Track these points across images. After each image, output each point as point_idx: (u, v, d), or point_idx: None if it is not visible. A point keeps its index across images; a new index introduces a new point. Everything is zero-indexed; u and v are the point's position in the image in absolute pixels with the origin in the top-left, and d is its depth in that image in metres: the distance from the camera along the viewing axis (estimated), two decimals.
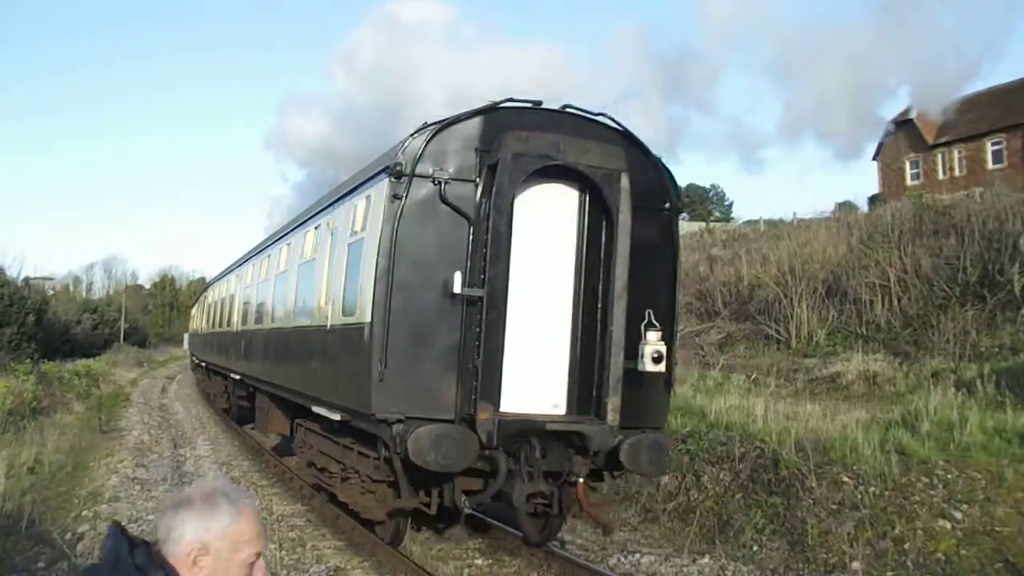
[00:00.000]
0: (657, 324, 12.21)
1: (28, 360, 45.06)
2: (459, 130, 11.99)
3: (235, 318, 28.03)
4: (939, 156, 63.12)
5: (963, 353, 24.86)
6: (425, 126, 11.92)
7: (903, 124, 64.75)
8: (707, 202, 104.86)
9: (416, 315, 11.57)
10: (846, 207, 53.71)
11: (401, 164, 11.61)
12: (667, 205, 13.38)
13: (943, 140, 62.81)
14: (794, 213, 50.82)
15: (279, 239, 22.04)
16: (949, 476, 13.42)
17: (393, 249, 11.48)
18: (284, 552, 13.78)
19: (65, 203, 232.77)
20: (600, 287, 12.10)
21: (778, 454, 15.08)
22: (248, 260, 28.00)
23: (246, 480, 20.61)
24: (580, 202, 12.55)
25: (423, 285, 11.59)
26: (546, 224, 12.38)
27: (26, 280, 68.79)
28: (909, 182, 63.74)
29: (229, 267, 34.72)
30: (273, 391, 20.18)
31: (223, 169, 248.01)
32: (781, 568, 12.81)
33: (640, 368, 12.07)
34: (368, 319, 11.71)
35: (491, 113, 12.15)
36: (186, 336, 69.70)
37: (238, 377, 26.93)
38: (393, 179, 11.60)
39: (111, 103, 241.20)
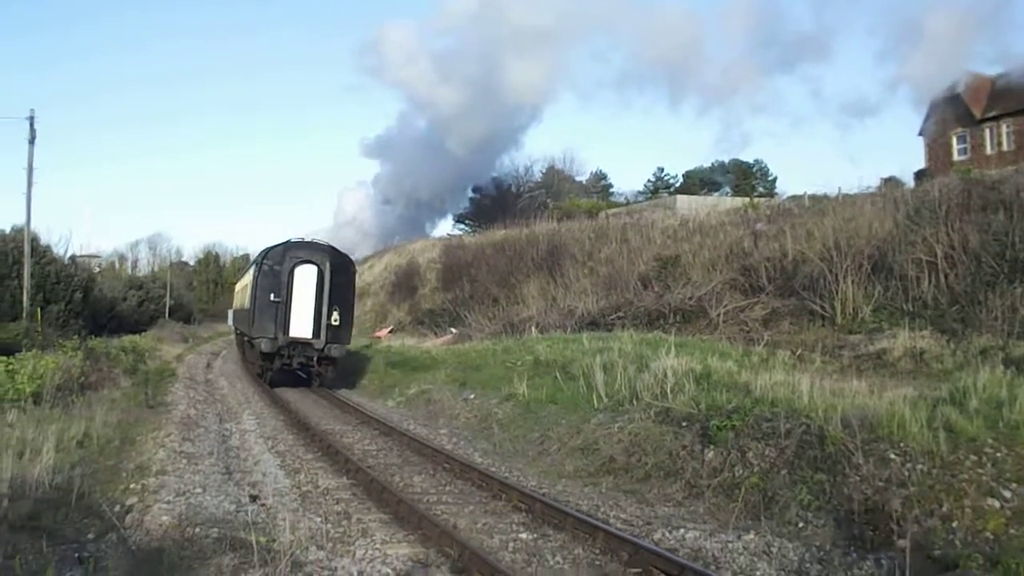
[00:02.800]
0: (338, 308, 37.11)
1: (75, 336, 45.32)
2: (277, 250, 37.56)
3: (244, 301, 45.84)
4: (987, 131, 62.20)
5: (1012, 330, 24.61)
6: (267, 249, 38.53)
7: (950, 99, 63.96)
8: (751, 177, 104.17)
9: (262, 304, 36.53)
10: (892, 183, 53.22)
11: (259, 260, 38.40)
12: (349, 270, 38.86)
13: (991, 115, 61.93)
14: (839, 188, 50.35)
15: (248, 270, 49.25)
16: (998, 454, 13.28)
17: (256, 284, 37.34)
18: (330, 525, 13.86)
19: (110, 181, 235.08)
20: (324, 295, 36.82)
21: (824, 430, 14.97)
22: (247, 271, 51.05)
23: (291, 454, 20.74)
24: (319, 269, 37.09)
25: (265, 296, 36.52)
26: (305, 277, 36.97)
27: (72, 258, 69.46)
28: (956, 157, 62.90)
29: (247, 266, 56.23)
30: (243, 335, 46.70)
31: (268, 148, 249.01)
32: (827, 545, 12.72)
33: (333, 323, 36.86)
34: (251, 306, 37.92)
35: (286, 244, 38.05)
36: (230, 312, 70.31)
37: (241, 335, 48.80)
38: (256, 264, 38.88)
39: (156, 84, 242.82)
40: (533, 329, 40.17)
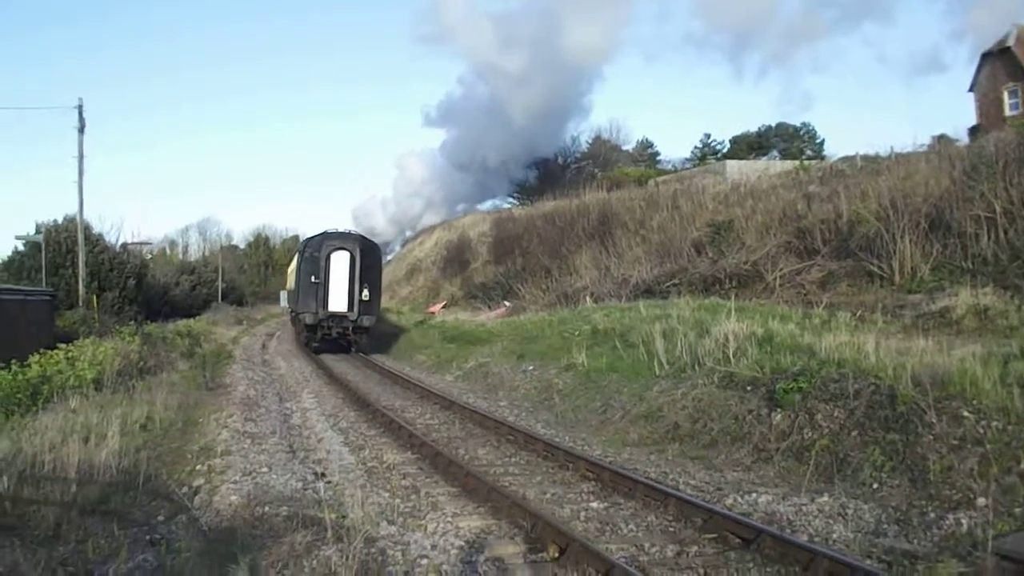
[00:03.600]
0: (367, 286, 43.75)
1: (131, 322, 45.76)
2: (316, 239, 45.36)
3: (292, 283, 54.92)
4: None
5: None
6: (308, 239, 48.12)
7: (1000, 53, 62.81)
8: (798, 140, 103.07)
9: (305, 285, 43.84)
10: (944, 140, 52.38)
11: (301, 249, 47.75)
12: (376, 255, 46.35)
13: None
14: (891, 147, 49.60)
15: (295, 257, 56.70)
16: None
17: (299, 268, 45.68)
18: (399, 500, 13.82)
19: (159, 167, 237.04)
20: (356, 276, 43.64)
21: (894, 390, 14.72)
22: (294, 256, 58.47)
23: (354, 431, 20.75)
24: (351, 255, 43.85)
25: (307, 278, 43.70)
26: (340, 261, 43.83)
27: (124, 246, 69.87)
28: (1008, 112, 61.78)
29: (294, 251, 66.25)
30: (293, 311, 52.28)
31: (318, 127, 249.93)
32: (904, 506, 12.49)
33: (364, 299, 43.70)
34: (295, 287, 47.88)
35: (324, 234, 45.58)
36: (283, 293, 70.82)
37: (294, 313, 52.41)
38: (299, 251, 48.48)
39: (205, 66, 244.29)
40: (587, 299, 40.09)
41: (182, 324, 54.09)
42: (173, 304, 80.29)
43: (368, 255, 45.15)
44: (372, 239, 48.61)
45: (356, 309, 43.96)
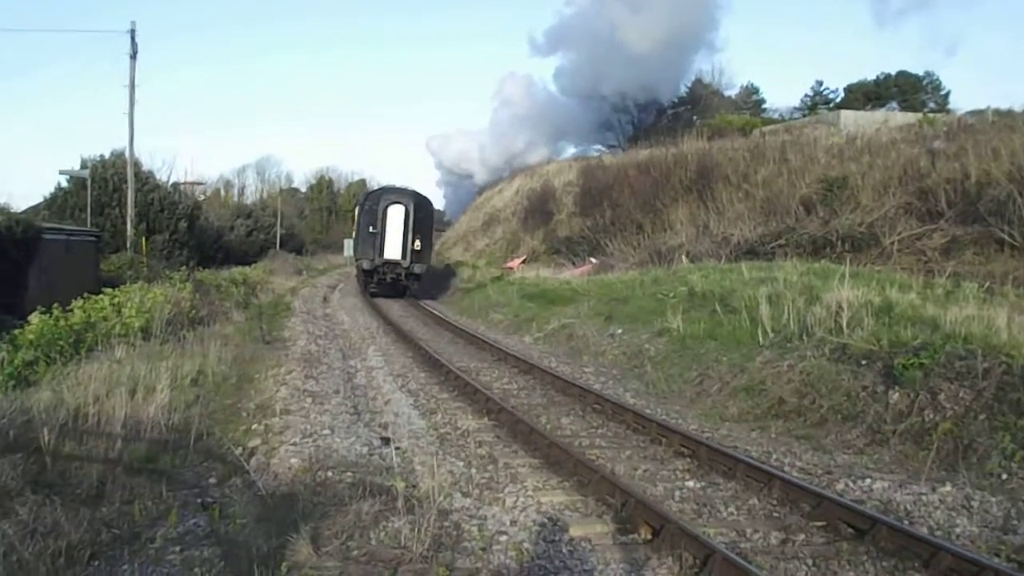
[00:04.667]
0: (420, 237, 52.07)
1: (182, 268, 46.16)
2: (375, 194, 55.45)
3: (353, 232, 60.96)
4: None
5: None
6: (367, 192, 63.96)
7: None
8: (920, 91, 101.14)
9: (364, 235, 52.26)
10: None
11: (361, 202, 56.61)
12: (429, 209, 55.48)
13: None
14: None
15: (356, 208, 67.47)
16: None
17: (359, 220, 54.14)
18: (474, 470, 13.83)
19: (214, 103, 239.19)
20: (409, 227, 51.75)
21: None
22: (356, 206, 65.81)
23: (425, 393, 20.84)
24: (406, 208, 51.98)
25: (366, 229, 52.06)
26: (396, 213, 52.03)
27: (175, 185, 70.00)
28: None
29: (357, 202, 74.57)
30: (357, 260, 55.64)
31: (391, 56, 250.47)
32: None
33: (416, 248, 51.78)
34: (355, 236, 56.13)
35: (381, 189, 57.83)
36: (347, 242, 71.28)
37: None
38: (360, 204, 57.07)
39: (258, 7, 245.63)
40: (683, 258, 39.88)
41: (237, 272, 54.62)
42: (227, 250, 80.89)
43: (421, 209, 53.45)
44: (425, 195, 56.31)
45: (408, 257, 52.22)
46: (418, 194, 54.95)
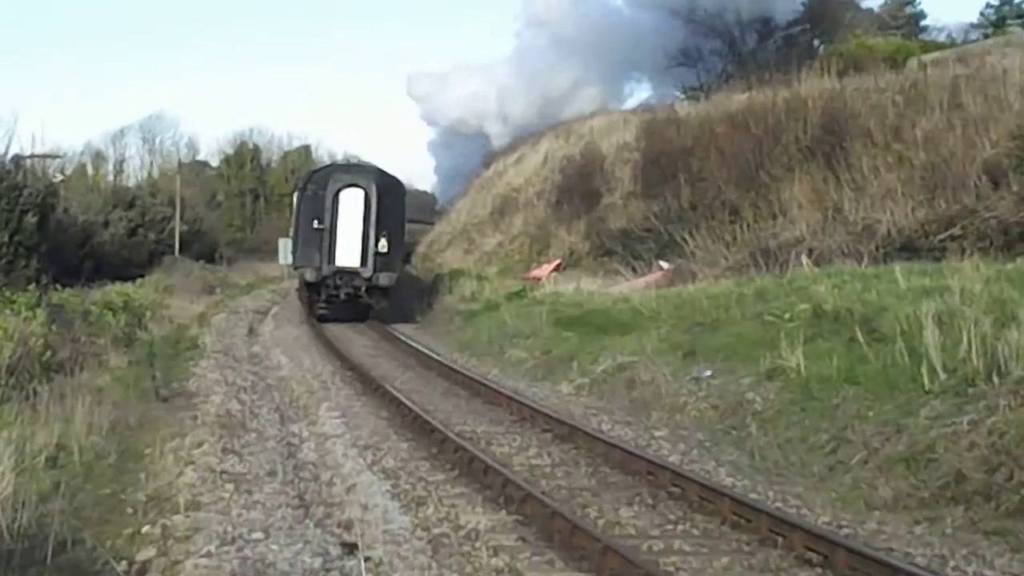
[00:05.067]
0: (386, 234, 55.19)
1: (31, 286, 45.83)
2: (321, 173, 60.32)
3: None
4: None
5: None
6: (310, 172, 65.42)
7: None
8: None
9: (306, 232, 55.65)
10: None
11: (302, 185, 60.29)
12: (398, 193, 58.90)
13: None
14: None
15: (297, 191, 65.66)
16: None
17: (299, 210, 58.99)
18: None
19: (75, 34, 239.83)
20: (371, 220, 55.24)
21: None
22: (295, 191, 68.94)
23: (409, 474, 20.87)
24: (366, 193, 55.67)
25: (308, 223, 55.33)
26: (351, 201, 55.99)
27: (16, 159, 68.89)
28: None
29: (295, 186, 77.72)
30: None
31: None
32: None
33: (381, 251, 54.76)
34: (293, 234, 61.31)
35: (330, 166, 66.38)
36: (282, 243, 71.78)
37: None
38: (300, 188, 61.44)
39: None
40: (804, 259, 39.71)
41: (115, 290, 54.87)
42: (100, 257, 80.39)
43: (389, 195, 56.16)
44: (392, 174, 59.59)
45: (371, 264, 54.52)
46: (383, 172, 57.46)
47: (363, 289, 54.20)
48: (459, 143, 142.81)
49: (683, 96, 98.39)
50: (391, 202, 55.31)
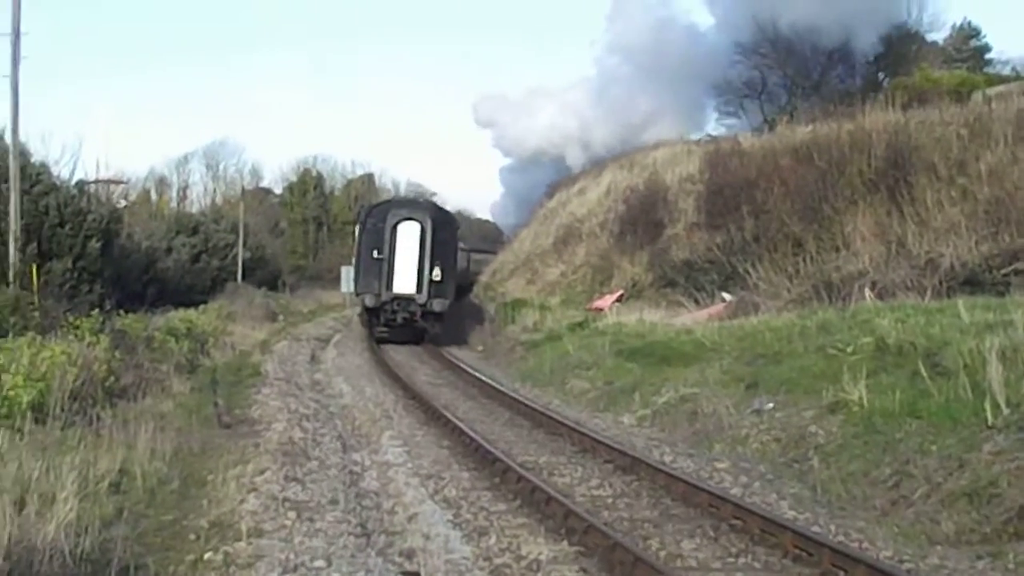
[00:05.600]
0: (440, 264, 60.25)
1: (95, 311, 45.54)
2: (381, 207, 66.12)
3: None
4: None
5: None
6: (370, 206, 70.87)
7: None
8: None
9: (367, 261, 60.96)
10: None
11: (363, 219, 65.89)
12: (451, 227, 65.67)
13: None
14: None
15: (358, 223, 71.41)
16: None
17: (360, 241, 63.79)
18: None
19: (140, 60, 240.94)
20: (426, 251, 60.77)
21: None
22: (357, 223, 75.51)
23: (471, 504, 20.84)
24: (422, 226, 61.11)
25: (369, 253, 60.79)
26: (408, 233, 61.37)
27: (81, 185, 68.47)
28: None
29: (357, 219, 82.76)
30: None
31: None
32: None
33: (435, 279, 60.06)
34: (355, 263, 64.81)
35: (390, 201, 76.95)
36: (344, 271, 72.25)
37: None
38: (360, 221, 67.15)
39: None
40: (867, 292, 39.65)
41: (178, 317, 54.91)
42: (163, 283, 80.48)
43: (442, 228, 61.64)
44: (447, 209, 67.85)
45: (425, 291, 59.80)
46: (437, 207, 65.85)
47: (418, 314, 59.61)
48: (533, 170, 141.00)
49: (745, 126, 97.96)
50: (444, 235, 60.83)
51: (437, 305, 59.58)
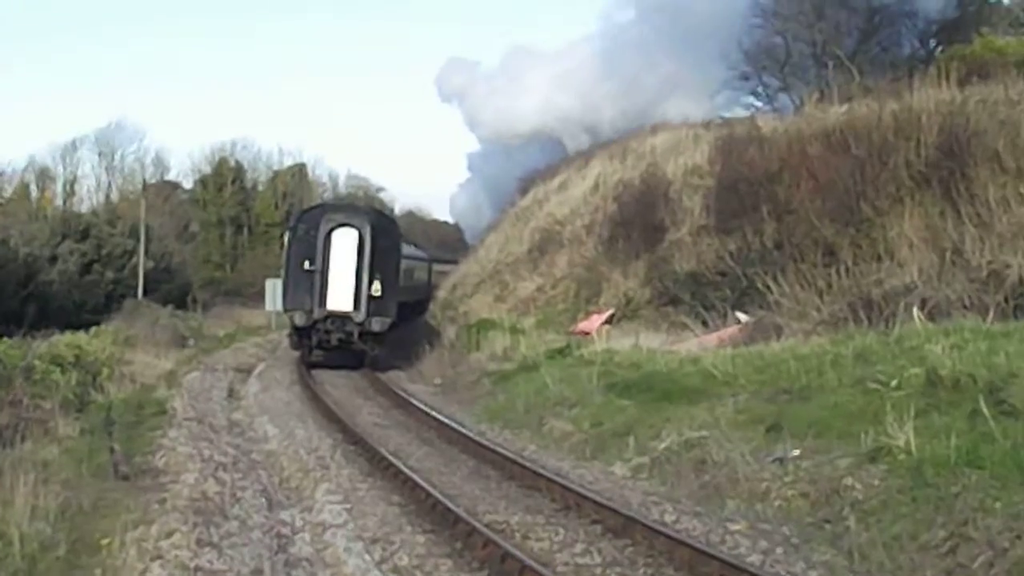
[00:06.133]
0: (380, 278, 63.17)
1: None
2: (313, 213, 69.88)
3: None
4: None
5: None
6: (301, 212, 78.78)
7: None
8: None
9: (296, 274, 63.71)
10: None
11: (293, 225, 70.54)
12: (393, 235, 68.91)
13: None
14: None
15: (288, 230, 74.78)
16: None
17: (289, 251, 65.81)
18: None
19: (19, 37, 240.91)
20: (365, 263, 64.09)
21: None
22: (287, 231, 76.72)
23: None
24: (360, 234, 64.80)
25: (299, 264, 63.42)
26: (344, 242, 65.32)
27: None
28: None
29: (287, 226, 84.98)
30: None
31: None
32: None
33: (375, 294, 63.35)
34: (283, 276, 67.91)
35: (323, 206, 79.54)
36: (269, 285, 73.80)
37: None
38: (291, 228, 70.79)
39: None
40: (915, 311, 39.67)
41: (64, 342, 54.97)
42: (45, 299, 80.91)
43: (383, 236, 64.87)
44: (388, 214, 72.02)
45: (364, 308, 63.00)
46: (378, 212, 70.66)
47: (356, 334, 62.86)
48: (517, 156, 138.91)
49: (764, 106, 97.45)
50: (386, 243, 64.38)
51: (377, 324, 62.63)
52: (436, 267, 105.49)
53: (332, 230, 62.30)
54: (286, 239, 70.42)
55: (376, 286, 61.82)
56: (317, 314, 61.79)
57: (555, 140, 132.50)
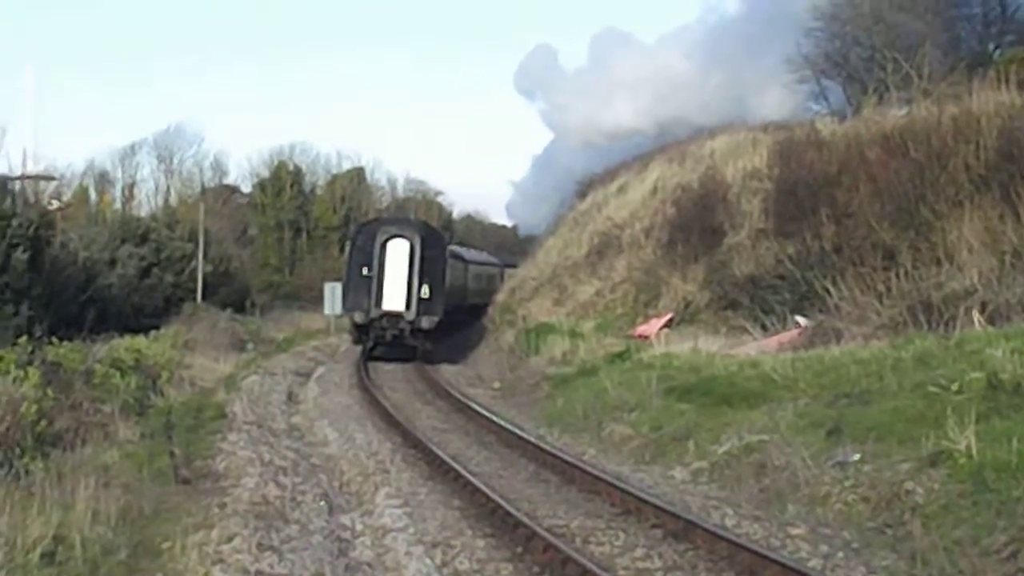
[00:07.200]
0: (428, 282, 74.82)
1: (21, 339, 45.25)
2: (370, 226, 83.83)
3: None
4: None
5: None
6: (360, 224, 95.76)
7: None
8: None
9: (355, 279, 76.50)
10: None
11: (352, 236, 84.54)
12: (440, 244, 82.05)
13: None
14: None
15: (348, 240, 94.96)
16: None
17: (349, 259, 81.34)
18: None
19: (81, 40, 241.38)
20: (415, 269, 76.50)
21: None
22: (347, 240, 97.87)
23: None
24: (411, 244, 77.05)
25: (357, 270, 76.20)
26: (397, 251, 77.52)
27: (3, 181, 68.12)
28: None
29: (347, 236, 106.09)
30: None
31: None
32: None
33: (424, 296, 75.59)
34: (344, 280, 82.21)
35: (378, 219, 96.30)
36: (328, 288, 75.21)
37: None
38: (350, 239, 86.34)
39: None
40: (975, 315, 39.46)
41: (124, 346, 54.82)
42: (105, 303, 79.95)
43: (431, 245, 74.82)
44: (436, 227, 77.58)
45: (414, 308, 72.78)
46: (427, 225, 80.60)
47: (407, 331, 72.91)
48: (594, 154, 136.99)
49: (824, 112, 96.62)
50: (434, 252, 74.59)
51: (425, 322, 72.70)
52: (508, 272, 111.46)
53: (387, 241, 72.79)
54: (347, 249, 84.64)
55: (425, 289, 72.26)
56: (374, 313, 72.12)
57: (649, 138, 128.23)
